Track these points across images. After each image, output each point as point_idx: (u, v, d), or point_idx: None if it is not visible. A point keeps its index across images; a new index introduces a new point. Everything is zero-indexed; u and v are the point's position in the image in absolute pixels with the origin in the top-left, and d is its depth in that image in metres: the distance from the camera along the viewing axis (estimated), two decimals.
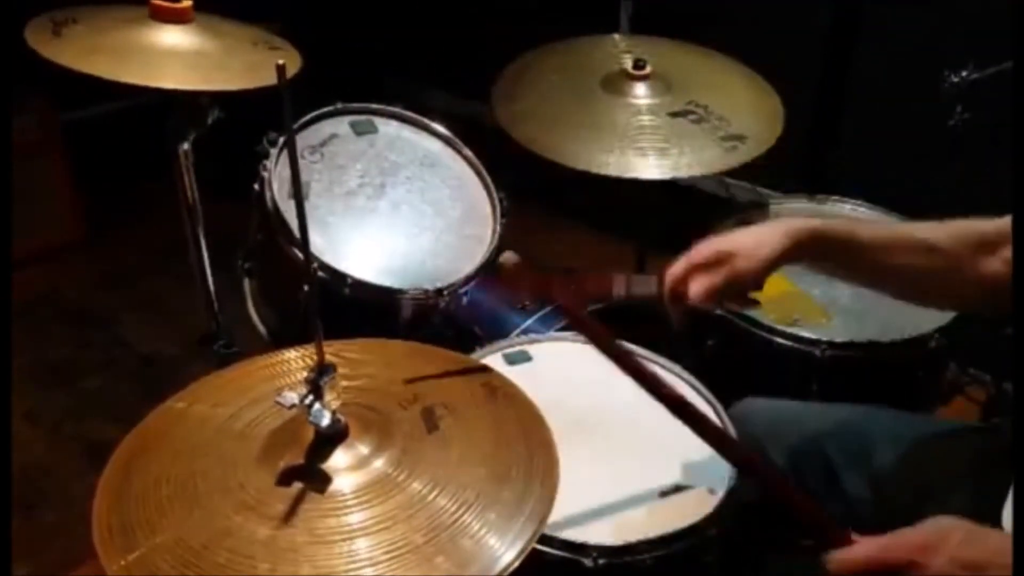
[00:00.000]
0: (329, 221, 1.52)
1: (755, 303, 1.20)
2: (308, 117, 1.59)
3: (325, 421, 0.87)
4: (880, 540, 0.91)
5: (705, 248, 1.14)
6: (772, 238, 1.11)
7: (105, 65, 1.26)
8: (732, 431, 1.27)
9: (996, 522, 1.01)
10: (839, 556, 0.92)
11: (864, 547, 0.92)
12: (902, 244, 1.12)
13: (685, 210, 1.75)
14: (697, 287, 1.12)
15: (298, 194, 0.85)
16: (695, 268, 1.13)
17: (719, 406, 1.32)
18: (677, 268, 1.15)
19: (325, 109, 1.61)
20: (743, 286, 1.13)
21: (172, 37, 1.37)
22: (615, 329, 1.46)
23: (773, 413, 1.32)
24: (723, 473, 1.20)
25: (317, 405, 0.88)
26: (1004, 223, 1.09)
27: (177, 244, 1.56)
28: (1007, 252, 1.08)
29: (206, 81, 1.33)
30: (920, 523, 0.91)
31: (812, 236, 1.12)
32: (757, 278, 1.12)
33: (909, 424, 1.26)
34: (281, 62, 0.75)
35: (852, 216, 1.40)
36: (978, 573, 0.85)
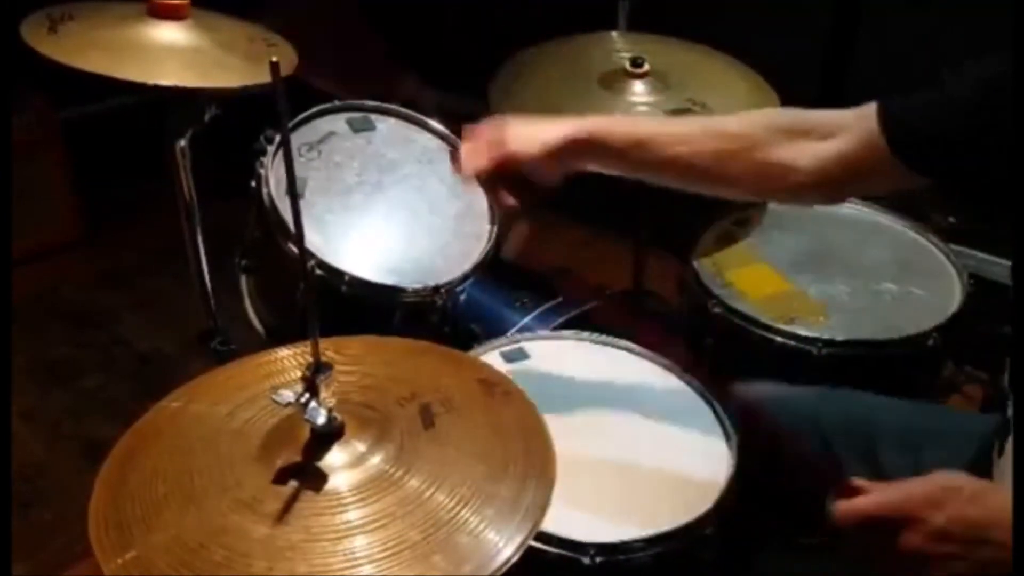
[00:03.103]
0: (326, 219, 1.52)
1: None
2: (305, 114, 1.58)
3: (321, 419, 0.87)
4: (886, 492, 0.90)
5: (491, 127, 1.16)
6: (553, 135, 1.12)
7: (102, 62, 1.26)
8: (729, 427, 1.27)
9: None
10: (844, 505, 0.90)
11: (870, 499, 0.90)
12: (691, 135, 1.12)
13: (683, 209, 1.75)
14: (473, 159, 1.14)
15: (293, 192, 0.84)
16: (477, 142, 1.15)
17: (716, 403, 1.32)
18: (464, 137, 1.17)
19: (322, 106, 1.61)
20: (516, 167, 1.13)
21: (169, 34, 1.37)
22: (615, 323, 1.47)
23: (773, 396, 1.32)
24: (721, 471, 1.21)
25: (313, 403, 0.88)
26: (831, 115, 1.09)
27: (175, 242, 1.56)
28: (823, 145, 1.08)
29: (203, 78, 1.33)
30: (927, 475, 0.90)
31: (592, 130, 1.11)
32: (531, 162, 1.12)
33: (909, 408, 1.26)
34: (275, 59, 0.75)
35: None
36: (979, 532, 0.84)
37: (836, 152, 1.08)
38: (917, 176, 1.05)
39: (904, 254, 1.67)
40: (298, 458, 0.88)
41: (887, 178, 1.07)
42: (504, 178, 1.14)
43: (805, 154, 1.09)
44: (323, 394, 0.89)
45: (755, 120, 1.12)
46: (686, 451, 1.25)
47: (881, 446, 1.21)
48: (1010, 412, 1.00)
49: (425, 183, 1.62)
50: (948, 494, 0.87)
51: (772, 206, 1.79)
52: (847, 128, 1.07)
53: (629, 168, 1.16)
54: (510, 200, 1.20)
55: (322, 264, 1.43)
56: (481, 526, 0.83)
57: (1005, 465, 1.00)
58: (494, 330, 1.58)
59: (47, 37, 1.29)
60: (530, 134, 1.11)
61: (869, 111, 1.06)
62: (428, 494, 0.86)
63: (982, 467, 1.06)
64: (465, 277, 1.51)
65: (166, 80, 1.29)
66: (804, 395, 1.31)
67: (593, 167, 1.16)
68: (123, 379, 2.29)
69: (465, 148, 1.17)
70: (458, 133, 1.68)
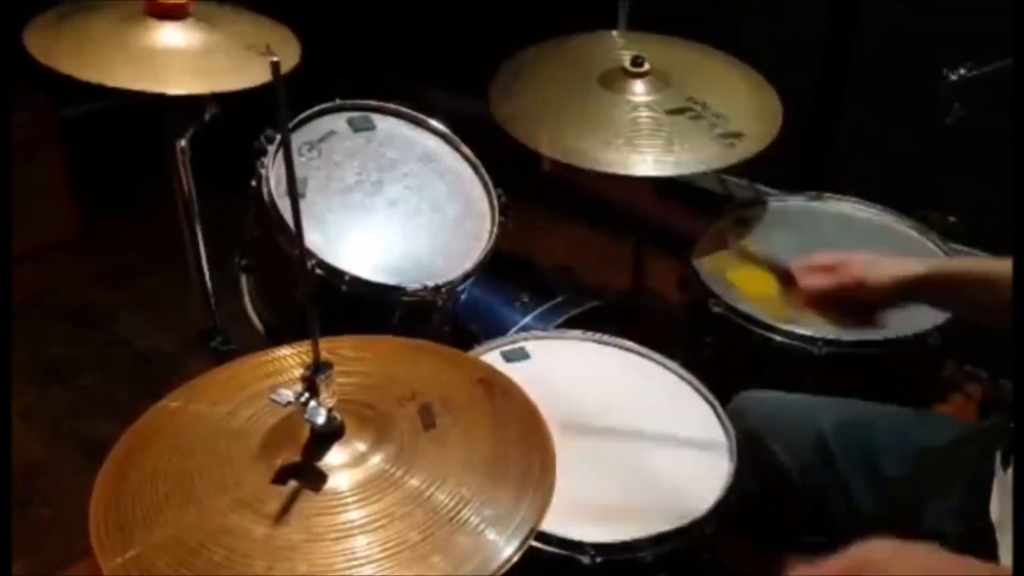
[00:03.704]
0: (326, 218, 1.52)
1: (873, 325, 1.20)
2: (305, 114, 1.58)
3: (321, 418, 0.87)
4: (816, 564, 0.93)
5: (833, 253, 1.17)
6: (903, 265, 1.14)
7: (100, 69, 1.26)
8: (729, 427, 1.27)
9: (985, 518, 1.02)
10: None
11: (802, 569, 0.93)
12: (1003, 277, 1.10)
13: (682, 207, 1.75)
14: (812, 279, 1.14)
15: (293, 191, 0.84)
16: (816, 263, 1.15)
17: (716, 403, 1.32)
18: (806, 259, 1.17)
19: (323, 106, 1.61)
20: (862, 294, 1.14)
21: (168, 35, 1.36)
22: (613, 328, 1.46)
23: (773, 406, 1.32)
24: (721, 470, 1.20)
25: (313, 402, 0.87)
26: None
27: (174, 241, 1.56)
28: None
29: (202, 81, 1.33)
30: (851, 546, 0.93)
31: (942, 277, 1.13)
32: (874, 293, 1.13)
33: (909, 417, 1.26)
34: (275, 59, 0.75)
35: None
36: None
37: None
38: None
39: (904, 253, 1.66)
40: (298, 458, 0.88)
41: None
42: (837, 301, 1.16)
43: None
44: (323, 394, 0.88)
45: None
46: (686, 451, 1.25)
47: (881, 456, 1.21)
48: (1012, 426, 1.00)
49: (425, 182, 1.62)
50: (875, 558, 0.90)
51: (772, 206, 1.79)
52: None
53: (971, 310, 1.19)
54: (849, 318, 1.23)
55: (322, 263, 1.43)
56: (481, 526, 0.83)
57: (1011, 478, 1.00)
58: (494, 330, 1.58)
59: (49, 40, 1.29)
60: (883, 268, 1.14)
61: None
62: (428, 494, 0.86)
63: (982, 477, 1.06)
64: (465, 277, 1.51)
65: (166, 88, 1.30)
66: (804, 404, 1.31)
67: (929, 303, 1.21)
68: (122, 378, 2.29)
69: (808, 264, 1.18)
70: (459, 132, 1.69)
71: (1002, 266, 1.12)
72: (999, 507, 1.02)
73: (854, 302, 1.17)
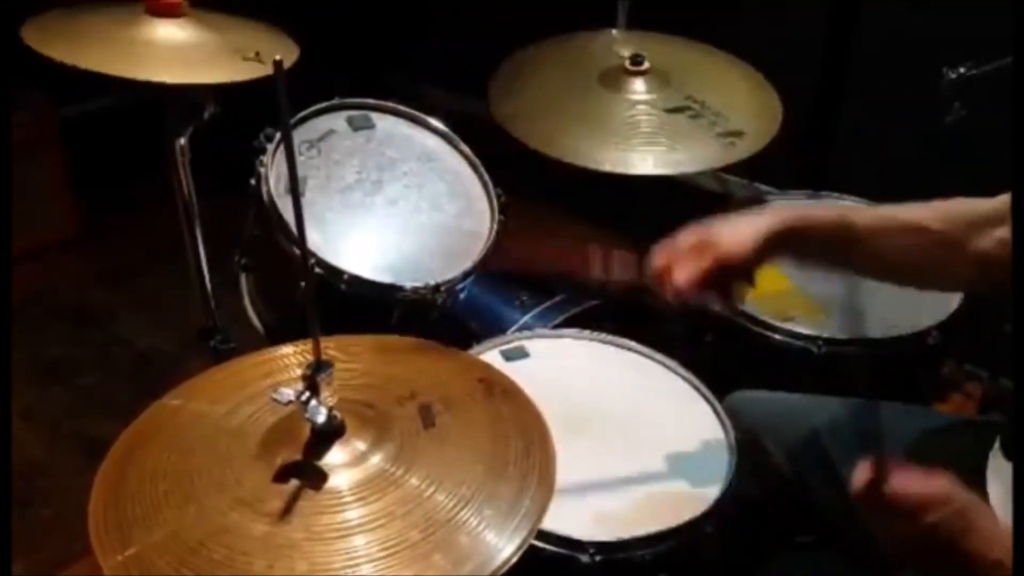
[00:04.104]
0: (326, 217, 1.52)
1: (739, 301, 1.17)
2: (305, 113, 1.58)
3: (321, 417, 0.87)
4: (907, 483, 0.94)
5: (690, 235, 1.12)
6: (758, 228, 1.09)
7: (98, 59, 1.26)
8: (728, 425, 1.27)
9: None
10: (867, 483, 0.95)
11: (902, 482, 0.94)
12: (891, 228, 1.11)
13: (682, 206, 1.75)
14: (682, 273, 1.08)
15: (295, 190, 0.84)
16: (680, 255, 1.10)
17: (716, 402, 1.32)
18: (661, 254, 1.12)
19: (322, 105, 1.61)
20: (729, 275, 1.11)
21: (167, 31, 1.36)
22: (613, 327, 1.46)
23: (768, 405, 1.33)
24: (721, 469, 1.21)
25: (313, 401, 0.87)
26: (998, 202, 1.08)
27: (174, 241, 1.56)
28: (1000, 231, 1.08)
29: (198, 72, 1.33)
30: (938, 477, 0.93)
31: (800, 226, 1.10)
32: (744, 268, 1.10)
33: (906, 416, 1.26)
34: (278, 57, 0.75)
35: (841, 205, 1.36)
36: (952, 544, 0.89)
37: (1006, 239, 1.08)
38: None
39: None
40: (298, 456, 0.88)
41: None
42: (716, 281, 1.11)
43: (994, 243, 1.09)
44: (323, 392, 0.89)
45: (943, 213, 1.11)
46: (686, 449, 1.25)
47: (876, 453, 1.20)
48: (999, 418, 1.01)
49: (425, 181, 1.62)
50: (949, 499, 0.91)
51: (770, 203, 1.79)
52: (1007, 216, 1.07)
53: (831, 260, 1.16)
54: (729, 299, 1.17)
55: (321, 262, 1.43)
56: (481, 525, 0.83)
57: (997, 463, 1.00)
58: (494, 329, 1.57)
59: (47, 37, 1.29)
60: (738, 233, 1.10)
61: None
62: (428, 493, 0.86)
63: (979, 470, 1.06)
64: (465, 275, 1.51)
65: (163, 78, 1.29)
66: (797, 403, 1.31)
67: (793, 258, 1.16)
68: (122, 378, 2.29)
69: (667, 262, 1.11)
70: (458, 131, 1.68)
71: (850, 217, 1.11)
72: (996, 493, 1.02)
73: (726, 281, 1.12)
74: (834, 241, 1.11)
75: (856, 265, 1.15)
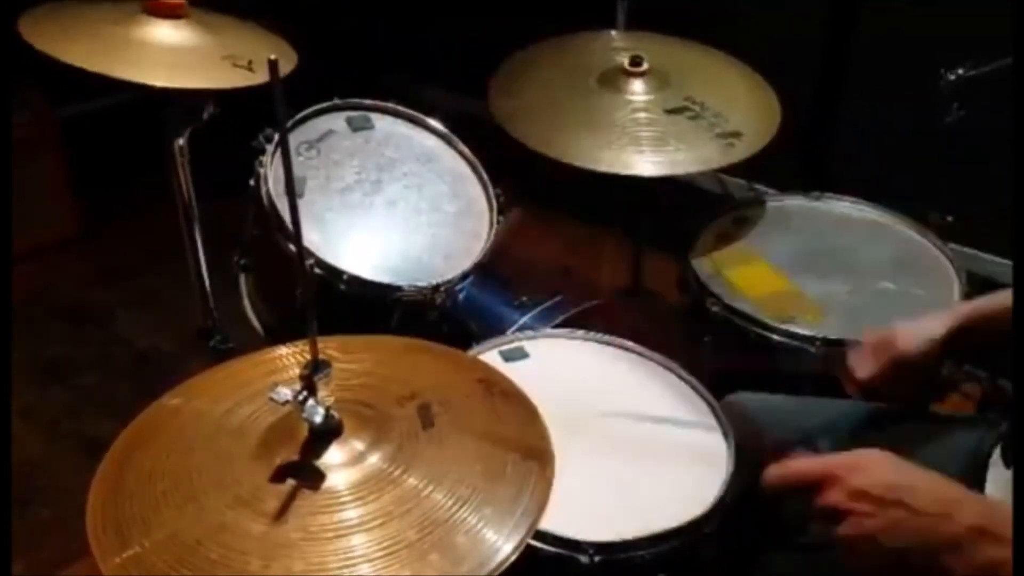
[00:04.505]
0: (325, 217, 1.52)
1: (931, 400, 1.23)
2: (304, 113, 1.58)
3: (319, 417, 0.87)
4: (812, 458, 0.94)
5: (874, 334, 1.19)
6: (934, 319, 1.15)
7: (98, 60, 1.26)
8: (728, 426, 1.27)
9: None
10: (773, 468, 0.94)
11: (796, 462, 0.94)
12: None
13: (681, 207, 1.75)
14: (861, 370, 1.17)
15: (291, 191, 0.84)
16: (864, 353, 1.18)
17: (714, 402, 1.32)
18: (854, 351, 1.20)
19: (321, 105, 1.61)
20: (908, 367, 1.15)
21: (165, 33, 1.36)
22: (619, 330, 1.46)
23: (764, 407, 1.33)
24: (720, 469, 1.21)
25: (311, 401, 0.87)
26: None
27: (173, 240, 1.56)
28: None
29: (194, 77, 1.33)
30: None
31: (975, 321, 1.13)
32: (917, 361, 1.14)
33: (903, 417, 1.26)
34: (273, 57, 0.75)
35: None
36: (894, 493, 0.86)
37: None
38: None
39: (902, 253, 1.67)
40: (296, 456, 0.88)
41: None
42: (894, 379, 1.17)
43: None
44: (321, 392, 0.89)
45: None
46: (685, 450, 1.25)
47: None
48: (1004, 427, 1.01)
49: (424, 182, 1.62)
50: (868, 461, 0.90)
51: (771, 205, 1.79)
52: None
53: (1003, 346, 1.18)
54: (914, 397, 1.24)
55: (321, 263, 1.43)
56: (479, 525, 0.83)
57: (997, 472, 1.00)
58: (493, 329, 1.57)
59: (46, 34, 1.29)
60: (916, 331, 1.15)
61: None
62: (426, 493, 0.86)
63: (977, 474, 1.06)
64: (464, 276, 1.51)
65: (162, 81, 1.29)
66: (790, 406, 1.32)
67: (977, 352, 1.22)
68: (121, 377, 2.29)
69: (852, 359, 1.20)
70: (458, 132, 1.68)
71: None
72: (994, 494, 1.01)
73: (908, 378, 1.17)
74: (1002, 333, 1.12)
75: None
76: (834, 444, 1.23)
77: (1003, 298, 1.15)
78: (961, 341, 1.13)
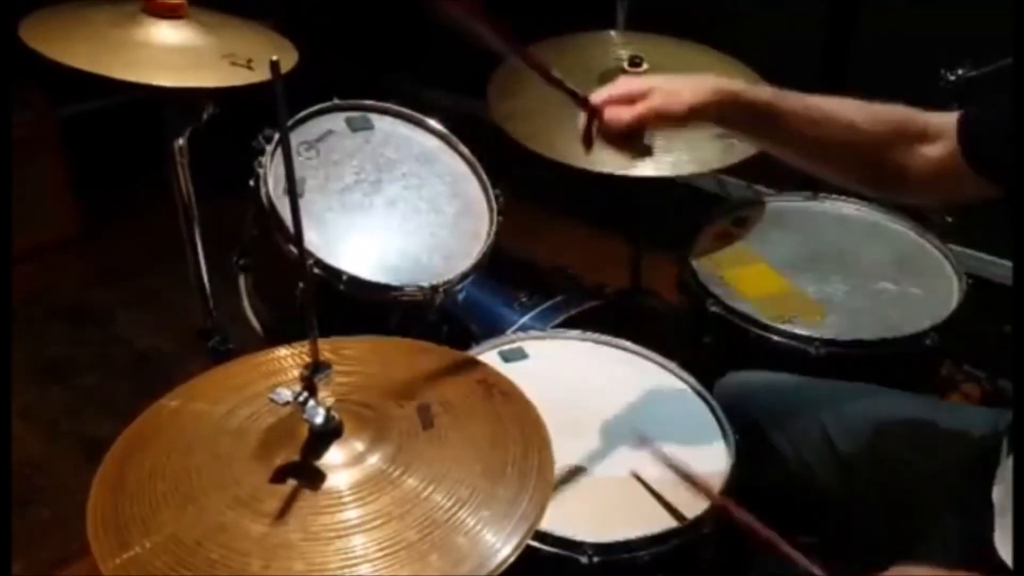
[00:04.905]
0: (325, 217, 1.52)
1: (648, 150, 1.17)
2: (304, 113, 1.58)
3: (319, 418, 0.87)
4: None
5: (629, 82, 1.14)
6: (695, 88, 1.11)
7: (97, 61, 1.26)
8: (727, 426, 1.27)
9: (987, 502, 1.02)
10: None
11: None
12: (822, 117, 1.12)
13: (681, 208, 1.75)
14: (614, 113, 1.12)
15: (292, 191, 0.84)
16: (615, 99, 1.13)
17: (714, 403, 1.32)
18: (598, 95, 1.14)
19: (321, 105, 1.61)
20: (659, 122, 1.12)
21: (166, 33, 1.36)
22: (615, 328, 1.47)
23: (767, 384, 1.33)
24: (719, 470, 1.21)
25: (311, 402, 0.88)
26: (935, 118, 1.10)
27: (173, 241, 1.56)
28: (927, 148, 1.10)
29: (196, 79, 1.33)
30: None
31: (735, 96, 1.12)
32: (675, 118, 1.11)
33: (908, 401, 1.26)
34: (275, 57, 0.75)
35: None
36: None
37: (938, 158, 1.10)
38: (991, 184, 1.06)
39: (902, 253, 1.67)
40: (296, 457, 0.88)
41: (972, 185, 1.08)
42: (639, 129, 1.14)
43: (917, 158, 1.11)
44: (321, 393, 0.89)
45: (878, 116, 1.13)
46: (685, 450, 1.25)
47: (886, 442, 1.21)
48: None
49: (424, 182, 1.62)
50: None
51: (770, 206, 1.79)
52: (946, 134, 1.09)
53: (758, 135, 1.18)
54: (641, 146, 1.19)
55: (320, 263, 1.43)
56: (478, 526, 0.83)
57: (1006, 468, 1.00)
58: (492, 329, 1.58)
59: (46, 36, 1.29)
60: (677, 91, 1.12)
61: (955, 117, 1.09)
62: (426, 494, 0.86)
63: (987, 463, 1.06)
64: (463, 276, 1.51)
65: (162, 80, 1.29)
66: (807, 388, 1.31)
67: (725, 127, 1.17)
68: (121, 377, 2.29)
69: (606, 100, 1.14)
70: (457, 132, 1.68)
71: (785, 99, 1.13)
72: (1002, 492, 1.01)
73: (649, 120, 1.13)
74: (768, 119, 1.12)
75: (780, 147, 1.17)
76: (842, 424, 1.23)
77: (767, 90, 1.14)
78: (716, 110, 1.11)
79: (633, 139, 1.15)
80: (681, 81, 1.13)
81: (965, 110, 1.09)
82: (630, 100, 1.11)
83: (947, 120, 1.10)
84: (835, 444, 1.22)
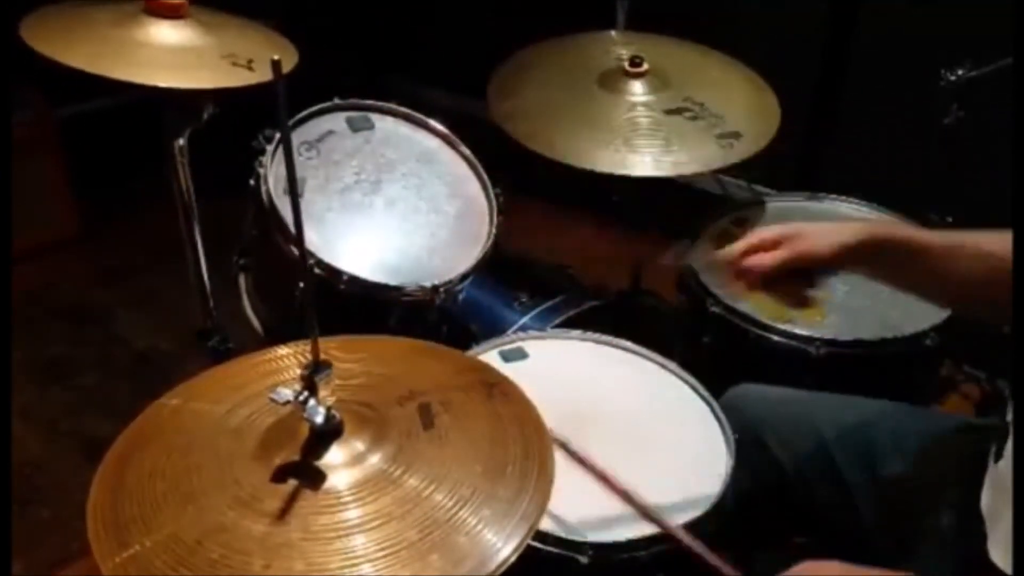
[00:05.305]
0: (325, 217, 1.52)
1: (807, 301, 1.16)
2: (304, 113, 1.58)
3: (319, 418, 0.87)
4: None
5: (780, 227, 1.13)
6: (844, 230, 1.11)
7: (98, 61, 1.26)
8: (727, 426, 1.27)
9: (979, 520, 1.02)
10: None
11: None
12: (963, 252, 1.10)
13: (681, 208, 1.75)
14: (759, 259, 1.11)
15: (293, 191, 0.84)
16: (764, 243, 1.12)
17: (714, 402, 1.32)
18: (742, 243, 1.13)
19: (321, 105, 1.61)
20: (805, 265, 1.11)
21: (166, 33, 1.36)
22: (615, 328, 1.47)
23: (769, 399, 1.33)
24: (719, 470, 1.21)
25: (312, 401, 0.87)
26: None
27: (173, 240, 1.56)
28: None
29: (197, 79, 1.33)
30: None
31: (884, 242, 1.11)
32: (822, 261, 1.11)
33: (908, 414, 1.26)
34: (276, 57, 0.75)
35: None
36: None
37: None
38: None
39: None
40: (297, 457, 0.88)
41: None
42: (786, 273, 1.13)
43: None
44: (322, 393, 0.89)
45: (1008, 241, 1.08)
46: (685, 450, 1.25)
47: (878, 451, 1.21)
48: (1009, 416, 1.00)
49: (424, 182, 1.62)
50: None
51: (770, 206, 1.79)
52: None
53: (903, 276, 1.15)
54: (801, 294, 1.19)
55: (320, 263, 1.43)
56: (479, 526, 0.83)
57: (1004, 470, 1.00)
58: (493, 329, 1.58)
59: (46, 36, 1.29)
60: (826, 234, 1.12)
61: None
62: (426, 493, 0.86)
63: (976, 471, 1.06)
64: (464, 276, 1.51)
65: (162, 81, 1.29)
66: (803, 403, 1.31)
67: (870, 272, 1.16)
68: (121, 377, 2.29)
69: (750, 246, 1.14)
70: (458, 132, 1.68)
71: (925, 237, 1.11)
72: (990, 499, 1.02)
73: (796, 276, 1.13)
74: (910, 260, 1.11)
75: (924, 287, 1.16)
76: (842, 439, 1.23)
77: (913, 230, 1.13)
78: (864, 256, 1.10)
79: (789, 286, 1.14)
80: (833, 226, 1.13)
81: None
82: (774, 245, 1.11)
83: None
84: (833, 458, 1.22)
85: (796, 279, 1.14)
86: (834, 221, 1.73)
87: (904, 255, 1.11)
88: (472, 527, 0.83)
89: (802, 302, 1.17)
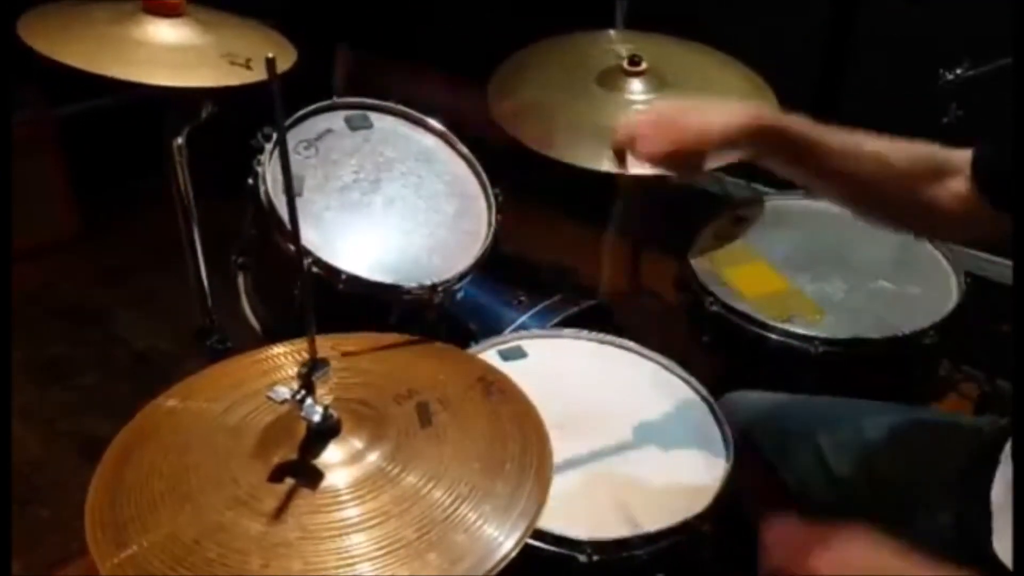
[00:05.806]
0: (323, 216, 1.52)
1: (700, 172, 1.16)
2: (302, 112, 1.58)
3: (317, 416, 0.87)
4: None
5: (660, 111, 1.14)
6: (730, 120, 1.10)
7: (96, 59, 1.26)
8: (725, 425, 1.27)
9: (984, 515, 1.02)
10: None
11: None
12: (858, 153, 1.12)
13: (681, 207, 1.75)
14: (644, 144, 1.11)
15: (289, 190, 0.84)
16: (646, 128, 1.12)
17: (713, 402, 1.32)
18: (627, 125, 1.14)
19: (319, 104, 1.61)
20: (692, 152, 1.12)
21: (165, 32, 1.36)
22: (615, 327, 1.47)
23: (764, 404, 1.33)
24: (718, 469, 1.21)
25: (309, 400, 0.87)
26: (958, 154, 1.10)
27: (171, 240, 1.56)
28: (955, 183, 1.09)
29: (195, 78, 1.33)
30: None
31: (773, 126, 1.10)
32: (708, 147, 1.11)
33: (902, 415, 1.26)
34: (271, 55, 0.75)
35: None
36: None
37: (961, 194, 1.09)
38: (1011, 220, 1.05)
39: (901, 252, 1.67)
40: (294, 455, 0.88)
41: (991, 221, 1.07)
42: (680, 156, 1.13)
43: (944, 193, 1.11)
44: (319, 391, 0.89)
45: (904, 150, 1.13)
46: (684, 449, 1.25)
47: (876, 454, 1.21)
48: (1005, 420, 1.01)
49: (423, 181, 1.62)
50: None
51: (769, 205, 1.79)
52: (965, 169, 1.09)
53: (796, 169, 1.16)
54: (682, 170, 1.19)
55: (319, 262, 1.43)
56: (477, 524, 0.83)
57: (1005, 470, 1.00)
58: (491, 328, 1.58)
59: (44, 35, 1.29)
60: (710, 120, 1.11)
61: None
62: (424, 491, 0.86)
63: (977, 472, 1.06)
64: (462, 275, 1.51)
65: (161, 80, 1.29)
66: (797, 404, 1.31)
67: (756, 157, 1.16)
68: (120, 377, 2.29)
69: (636, 130, 1.14)
70: (456, 131, 1.68)
71: (818, 131, 1.12)
72: (1002, 493, 1.01)
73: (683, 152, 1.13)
74: (803, 151, 1.11)
75: (814, 180, 1.16)
76: (836, 441, 1.23)
77: (804, 122, 1.12)
78: (750, 141, 1.10)
79: (678, 164, 1.14)
80: (715, 110, 1.12)
81: (977, 145, 1.09)
82: (661, 128, 1.11)
83: (966, 156, 1.09)
84: (828, 463, 1.22)
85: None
86: (830, 216, 1.74)
87: (801, 148, 1.11)
88: (470, 525, 0.83)
89: (693, 172, 1.16)
